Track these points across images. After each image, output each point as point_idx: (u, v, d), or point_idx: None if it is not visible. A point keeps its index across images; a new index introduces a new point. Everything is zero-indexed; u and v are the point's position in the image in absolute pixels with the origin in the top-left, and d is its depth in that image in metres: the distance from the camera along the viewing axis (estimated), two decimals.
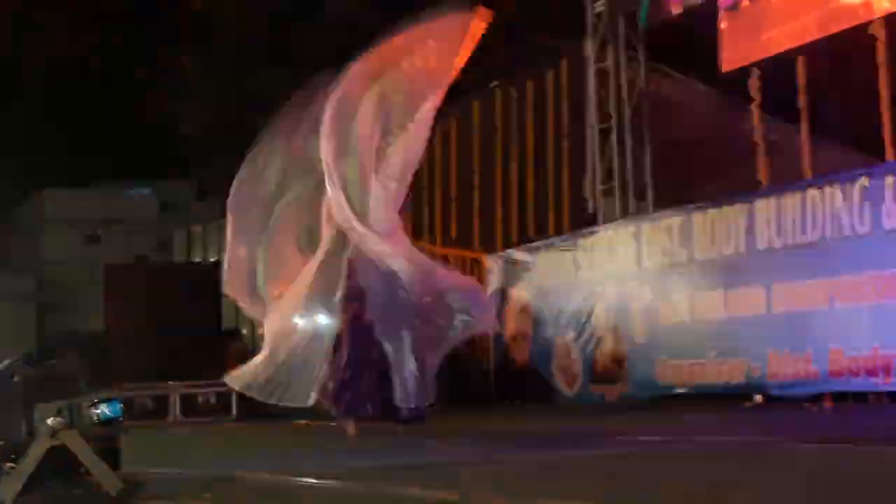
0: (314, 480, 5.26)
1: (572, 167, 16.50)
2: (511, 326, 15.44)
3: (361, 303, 8.60)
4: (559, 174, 16.83)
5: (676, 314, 12.70)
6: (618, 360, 13.65)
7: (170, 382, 14.75)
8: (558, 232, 16.18)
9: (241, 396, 15.00)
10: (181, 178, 30.10)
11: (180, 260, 21.53)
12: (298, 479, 5.46)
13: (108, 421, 6.19)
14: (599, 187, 15.48)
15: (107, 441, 6.13)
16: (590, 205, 15.64)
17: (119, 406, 6.38)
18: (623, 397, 13.50)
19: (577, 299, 14.23)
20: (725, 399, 12.16)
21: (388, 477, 5.12)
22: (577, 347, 14.24)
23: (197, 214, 25.75)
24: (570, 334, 14.33)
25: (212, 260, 20.34)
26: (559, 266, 14.64)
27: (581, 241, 14.44)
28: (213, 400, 14.90)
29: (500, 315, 15.57)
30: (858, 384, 10.51)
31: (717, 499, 4.06)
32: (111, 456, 5.97)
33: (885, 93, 11.61)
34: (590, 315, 14.05)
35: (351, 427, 8.80)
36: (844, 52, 12.27)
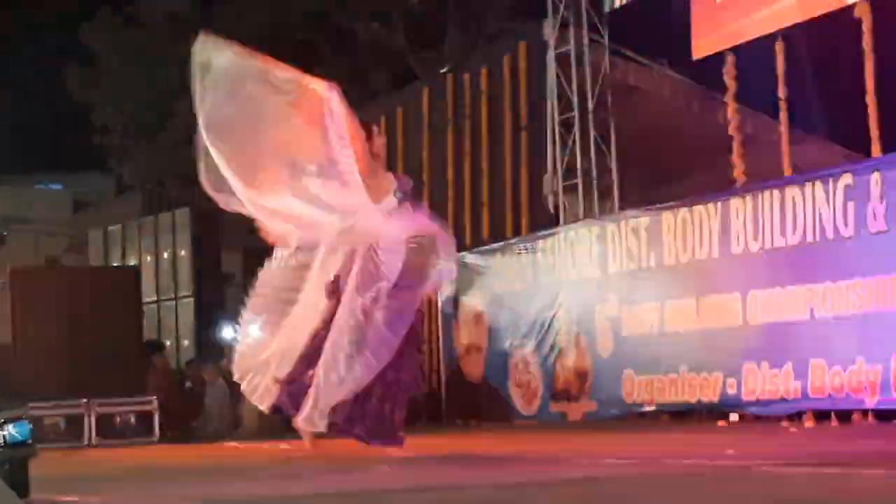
0: None
1: (531, 162, 16.54)
2: (463, 338, 15.47)
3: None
4: (516, 170, 16.87)
5: (644, 324, 12.77)
6: (581, 375, 13.71)
7: (84, 401, 14.62)
8: (516, 233, 16.22)
9: (164, 415, 15.00)
10: (97, 172, 29.87)
11: (96, 263, 21.33)
12: None
13: (16, 444, 6.14)
14: (560, 184, 15.53)
15: (14, 466, 6.07)
16: (550, 204, 15.69)
17: (27, 427, 6.33)
18: (587, 416, 13.55)
19: (537, 308, 14.27)
20: (698, 418, 12.24)
21: None
22: (537, 361, 14.28)
23: (115, 213, 25.57)
24: (529, 346, 14.37)
25: (131, 263, 20.21)
26: (516, 271, 14.67)
27: (540, 244, 14.48)
28: (132, 420, 14.80)
29: (452, 324, 15.62)
30: (842, 402, 10.61)
31: None
32: (19, 483, 5.92)
33: (870, 82, 11.73)
34: (550, 325, 14.10)
35: (308, 438, 8.75)
36: (827, 38, 12.38)
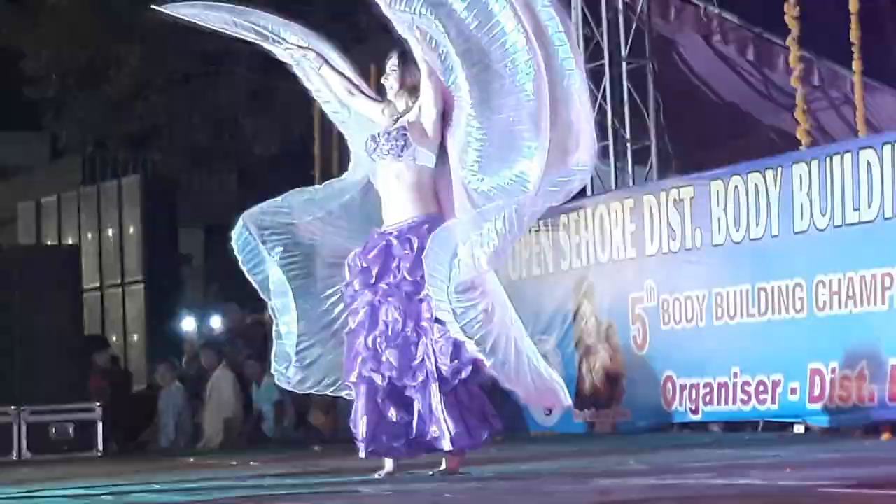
0: None
1: None
2: None
3: None
4: None
5: (689, 317, 12.79)
6: (611, 378, 13.73)
7: (13, 408, 14.67)
8: None
9: (108, 425, 15.03)
10: (28, 132, 29.89)
11: (27, 242, 21.38)
12: None
13: None
14: None
15: None
16: None
17: None
18: (619, 426, 13.58)
19: (559, 297, 14.30)
20: (753, 430, 12.26)
21: None
22: (558, 360, 14.29)
23: (50, 181, 25.59)
24: (549, 343, 14.38)
25: (69, 242, 20.24)
26: (535, 253, 14.69)
27: (563, 220, 14.48)
28: (71, 431, 14.84)
29: None
30: None
31: None
32: None
33: None
34: (575, 318, 14.13)
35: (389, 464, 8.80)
36: None
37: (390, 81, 8.94)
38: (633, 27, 15.36)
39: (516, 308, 13.98)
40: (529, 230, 14.80)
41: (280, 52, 9.31)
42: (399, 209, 8.66)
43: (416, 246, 8.50)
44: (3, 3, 25.37)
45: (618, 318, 13.68)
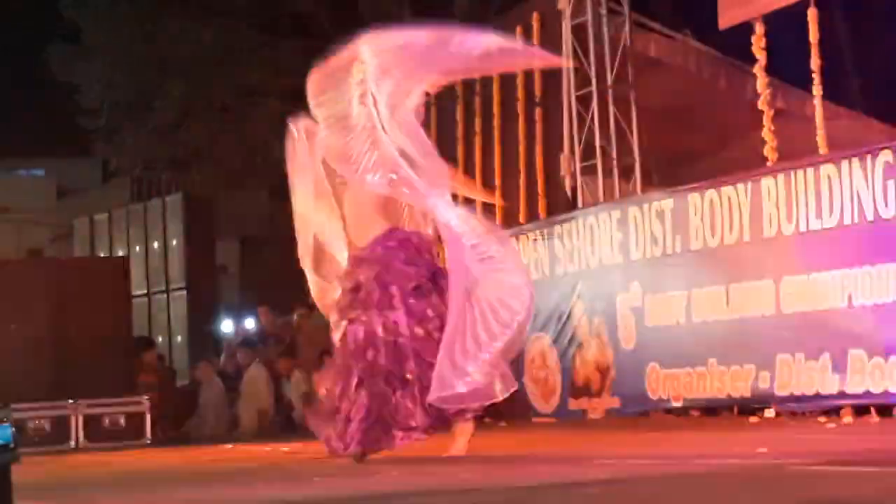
0: None
1: (546, 142, 16.52)
2: None
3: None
4: (531, 150, 16.84)
5: (670, 314, 12.76)
6: (602, 370, 13.71)
7: (71, 401, 14.65)
8: (530, 219, 16.21)
9: (155, 416, 15.02)
10: (82, 157, 29.90)
11: (82, 254, 21.39)
12: None
13: None
14: (578, 165, 15.52)
15: None
16: (567, 186, 15.68)
17: (9, 430, 6.32)
18: (609, 413, 13.55)
19: (554, 298, 14.27)
20: (728, 414, 12.22)
21: None
22: (555, 355, 14.28)
23: (102, 200, 25.61)
24: (546, 340, 14.37)
25: (119, 253, 20.25)
26: (532, 259, 14.66)
27: (557, 230, 14.47)
28: (122, 421, 14.83)
29: None
30: (883, 396, 10.59)
31: None
32: (0, 490, 5.91)
33: None
34: (568, 317, 14.10)
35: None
36: (863, 5, 12.35)
37: None
38: (618, 56, 15.35)
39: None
40: (529, 238, 14.83)
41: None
42: None
43: None
44: (60, 43, 25.39)
45: (607, 317, 13.66)
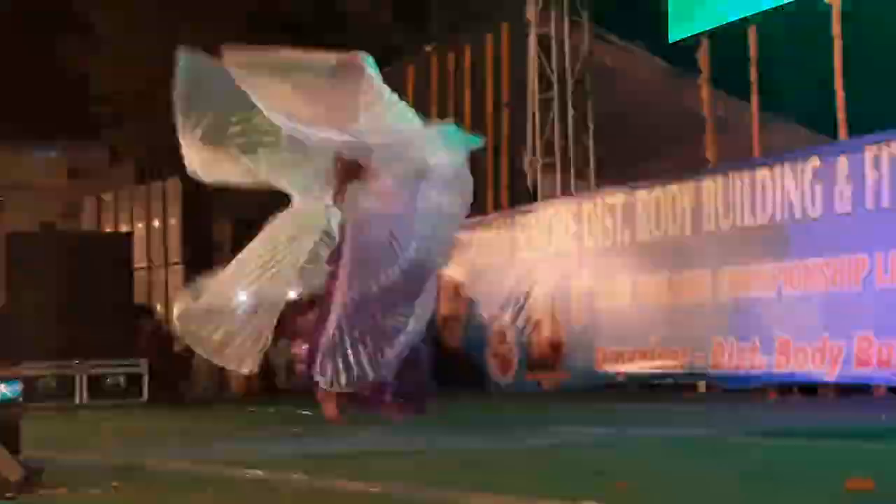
0: (228, 469, 5.24)
1: (511, 140, 16.52)
2: (443, 308, 15.46)
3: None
4: (497, 147, 16.83)
5: (618, 298, 12.79)
6: (555, 347, 13.73)
7: (76, 361, 14.59)
8: (495, 208, 16.21)
9: (152, 378, 14.98)
10: (91, 140, 29.72)
11: (90, 228, 21.28)
12: (211, 467, 5.43)
13: (6, 402, 6.12)
14: (539, 162, 15.52)
15: (4, 423, 6.04)
16: (528, 180, 15.69)
17: (18, 386, 6.30)
18: (561, 385, 13.58)
19: (514, 281, 14.28)
20: (667, 389, 12.28)
21: (310, 467, 5.11)
22: (513, 332, 14.30)
23: (108, 181, 25.48)
24: (506, 318, 14.39)
25: (123, 229, 20.17)
26: (495, 245, 14.67)
27: (519, 219, 14.48)
28: (122, 382, 14.77)
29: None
30: (806, 376, 10.65)
31: (652, 491, 4.11)
32: (10, 440, 5.89)
33: (838, 68, 11.74)
34: (527, 298, 14.12)
35: (331, 408, 8.49)
36: (798, 24, 12.38)
37: None
38: (578, 64, 15.35)
39: (481, 291, 14.00)
40: (493, 226, 14.82)
41: None
42: None
43: None
44: (72, 33, 25.21)
45: (561, 299, 13.68)
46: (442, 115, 17.81)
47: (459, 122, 17.49)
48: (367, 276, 8.03)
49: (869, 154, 10.19)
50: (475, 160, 17.51)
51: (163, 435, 8.78)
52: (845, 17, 11.70)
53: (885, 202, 10.04)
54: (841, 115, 11.68)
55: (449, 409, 8.75)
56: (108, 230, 20.64)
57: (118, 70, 24.89)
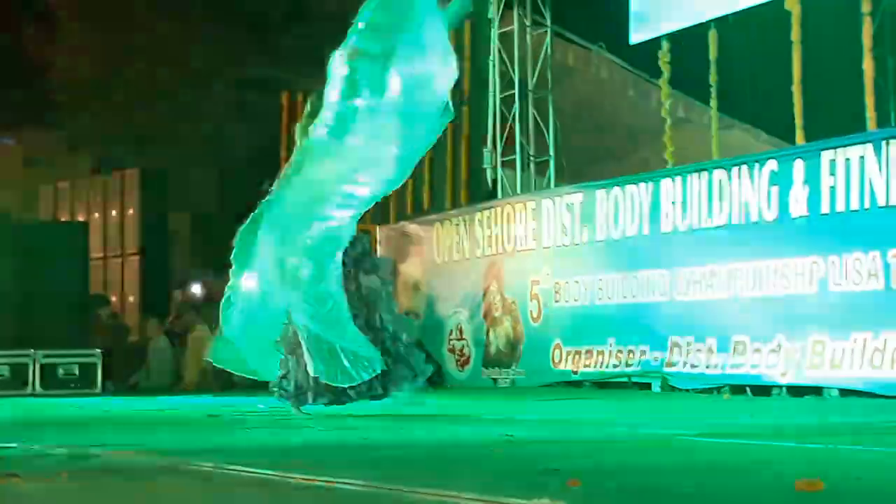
0: (176, 460, 5.22)
1: (472, 137, 16.53)
2: (401, 303, 15.46)
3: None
4: (458, 144, 16.85)
5: (575, 297, 12.83)
6: (512, 344, 13.76)
7: (30, 351, 14.47)
8: (455, 205, 16.22)
9: (106, 368, 14.88)
10: (49, 130, 29.48)
11: (46, 218, 21.09)
12: (160, 458, 5.41)
13: None
14: (499, 160, 15.54)
15: None
16: (488, 178, 15.71)
17: None
18: (516, 382, 13.62)
19: (473, 277, 14.30)
20: (622, 387, 12.32)
21: (262, 459, 5.09)
22: (471, 328, 14.32)
23: (66, 170, 25.28)
24: (464, 314, 14.41)
25: (80, 219, 19.99)
26: (454, 241, 14.68)
27: (478, 216, 14.49)
28: (76, 371, 14.67)
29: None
30: (760, 376, 10.72)
31: (605, 488, 4.13)
32: None
33: (797, 73, 11.83)
34: (485, 294, 14.14)
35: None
36: (758, 28, 12.47)
37: None
38: (539, 63, 15.38)
39: (440, 287, 14.04)
40: (452, 223, 14.84)
41: None
42: None
43: None
44: (33, 21, 25.01)
45: (519, 297, 13.71)
46: None
47: None
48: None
49: (825, 159, 10.28)
50: (436, 157, 17.66)
51: (114, 425, 8.72)
52: (804, 22, 11.79)
53: (840, 206, 10.12)
54: (798, 120, 11.77)
55: (404, 403, 8.74)
56: (64, 220, 20.45)
57: (76, 59, 24.74)
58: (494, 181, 15.65)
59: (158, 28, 23.46)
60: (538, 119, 15.32)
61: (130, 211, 19.69)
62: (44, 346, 14.51)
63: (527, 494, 3.82)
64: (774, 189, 10.69)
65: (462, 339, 14.52)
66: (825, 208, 10.26)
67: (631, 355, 12.07)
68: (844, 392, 10.05)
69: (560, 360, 12.97)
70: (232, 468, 4.89)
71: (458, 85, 16.79)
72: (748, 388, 10.91)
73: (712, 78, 12.90)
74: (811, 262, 10.29)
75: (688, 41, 13.20)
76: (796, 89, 11.82)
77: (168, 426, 8.53)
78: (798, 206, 10.48)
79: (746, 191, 10.94)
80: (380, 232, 15.87)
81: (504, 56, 15.47)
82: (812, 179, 10.36)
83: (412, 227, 15.39)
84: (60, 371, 14.60)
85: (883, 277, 9.71)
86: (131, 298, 19.68)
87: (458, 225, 14.78)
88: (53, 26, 25.02)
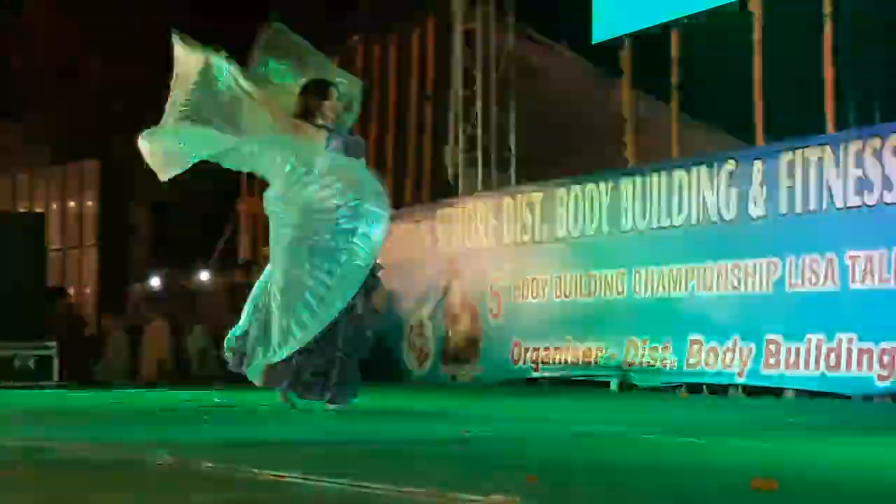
0: (134, 453, 5.20)
1: (434, 133, 16.54)
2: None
3: None
4: (420, 140, 16.86)
5: (535, 295, 12.87)
6: (472, 340, 13.78)
7: None
8: (415, 201, 16.22)
9: (62, 360, 14.78)
10: (6, 120, 29.26)
11: (3, 209, 20.95)
12: (117, 451, 5.38)
13: None
14: (461, 156, 15.56)
15: None
16: (450, 174, 15.72)
17: None
18: (476, 379, 13.64)
19: (433, 274, 14.31)
20: (580, 385, 12.37)
21: (220, 454, 5.08)
22: (431, 325, 14.33)
23: (24, 160, 25.11)
24: (424, 311, 14.41)
25: (38, 210, 19.87)
26: (415, 238, 14.69)
27: (439, 213, 14.50)
28: (31, 364, 14.58)
29: None
30: (715, 376, 10.80)
31: (561, 484, 4.15)
32: None
33: (758, 74, 11.90)
34: (445, 291, 14.16)
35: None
36: (720, 29, 12.53)
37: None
38: (502, 61, 15.41)
39: (400, 283, 14.02)
40: (413, 219, 14.84)
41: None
42: None
43: None
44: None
45: (478, 294, 13.74)
46: (365, 105, 17.79)
47: (383, 113, 17.55)
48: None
49: (784, 160, 10.36)
50: (398, 152, 17.67)
51: (71, 417, 8.67)
52: (766, 24, 11.86)
53: (798, 208, 10.20)
54: (758, 121, 11.84)
55: (363, 400, 8.73)
56: (22, 211, 20.32)
57: (36, 50, 24.56)
58: (456, 177, 15.66)
59: (120, 18, 23.34)
60: (500, 116, 15.34)
61: (89, 202, 19.60)
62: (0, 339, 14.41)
63: (484, 490, 3.83)
64: (733, 189, 10.76)
65: (422, 335, 14.53)
66: (784, 209, 10.33)
67: (589, 353, 12.11)
68: (800, 392, 10.13)
69: (519, 358, 13.00)
70: (189, 461, 4.88)
71: (422, 81, 16.95)
72: (705, 387, 10.99)
73: (674, 77, 12.96)
74: (769, 263, 10.36)
75: (650, 40, 13.25)
76: (757, 90, 11.89)
77: (124, 419, 8.48)
78: (757, 206, 10.55)
79: (706, 191, 11.01)
80: None
81: (467, 53, 15.48)
82: (771, 180, 10.44)
83: None
84: (16, 363, 14.51)
85: (839, 279, 9.79)
86: (88, 290, 19.60)
87: (418, 221, 14.78)
88: (11, 14, 24.82)
